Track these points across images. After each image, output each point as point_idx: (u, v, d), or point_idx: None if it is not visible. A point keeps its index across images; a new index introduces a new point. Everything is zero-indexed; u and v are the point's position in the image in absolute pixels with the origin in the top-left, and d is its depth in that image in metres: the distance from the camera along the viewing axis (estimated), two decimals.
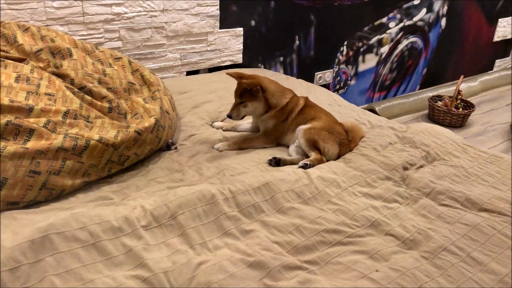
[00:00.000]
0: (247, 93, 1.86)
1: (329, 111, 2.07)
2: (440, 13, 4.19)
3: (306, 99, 2.03)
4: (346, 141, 1.92)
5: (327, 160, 1.82)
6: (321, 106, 2.15)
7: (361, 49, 3.79)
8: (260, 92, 1.87)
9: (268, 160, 1.78)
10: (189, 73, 2.85)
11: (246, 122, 2.08)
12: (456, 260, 1.30)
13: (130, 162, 1.69)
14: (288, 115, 1.94)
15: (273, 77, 2.78)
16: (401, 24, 3.94)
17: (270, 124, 1.95)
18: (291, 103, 1.95)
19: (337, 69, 3.71)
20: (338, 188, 1.60)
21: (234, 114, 1.88)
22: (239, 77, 1.90)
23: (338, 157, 1.87)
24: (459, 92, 3.76)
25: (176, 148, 1.87)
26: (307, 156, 1.82)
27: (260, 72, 2.88)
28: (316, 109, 2.00)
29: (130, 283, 1.11)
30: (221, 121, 2.17)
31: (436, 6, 4.11)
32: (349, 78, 3.84)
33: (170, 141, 1.88)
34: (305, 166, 1.72)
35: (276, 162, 1.76)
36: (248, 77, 1.90)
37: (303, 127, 1.87)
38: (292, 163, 1.78)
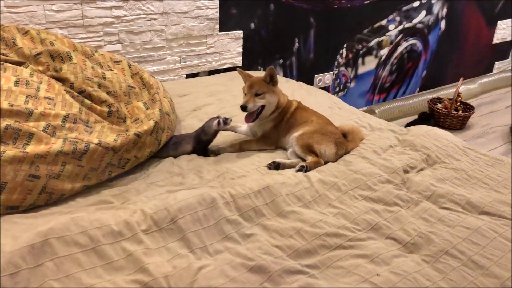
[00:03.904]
0: (264, 85, 1.87)
1: (325, 114, 2.07)
2: (440, 15, 4.20)
3: (298, 102, 2.06)
4: (342, 139, 1.92)
5: (326, 161, 1.81)
6: (321, 109, 2.15)
7: (361, 52, 3.79)
8: (277, 82, 1.92)
9: (267, 164, 1.77)
10: (188, 76, 2.85)
11: (245, 126, 2.07)
12: (458, 264, 1.29)
13: (130, 165, 1.68)
14: (283, 116, 1.97)
15: None
16: (401, 27, 3.94)
17: (269, 127, 1.96)
18: (287, 105, 1.99)
19: (336, 71, 3.71)
20: (339, 191, 1.60)
21: (250, 104, 1.83)
22: (248, 76, 1.94)
23: (336, 156, 1.86)
24: (458, 94, 3.76)
25: (231, 120, 1.86)
26: (304, 161, 1.81)
27: (261, 75, 2.88)
28: (308, 112, 2.01)
29: None
30: None
31: (436, 8, 4.12)
32: (349, 81, 3.84)
33: (223, 117, 1.82)
34: (301, 169, 1.72)
35: (275, 166, 1.76)
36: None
37: (295, 134, 1.87)
38: (291, 166, 1.78)
